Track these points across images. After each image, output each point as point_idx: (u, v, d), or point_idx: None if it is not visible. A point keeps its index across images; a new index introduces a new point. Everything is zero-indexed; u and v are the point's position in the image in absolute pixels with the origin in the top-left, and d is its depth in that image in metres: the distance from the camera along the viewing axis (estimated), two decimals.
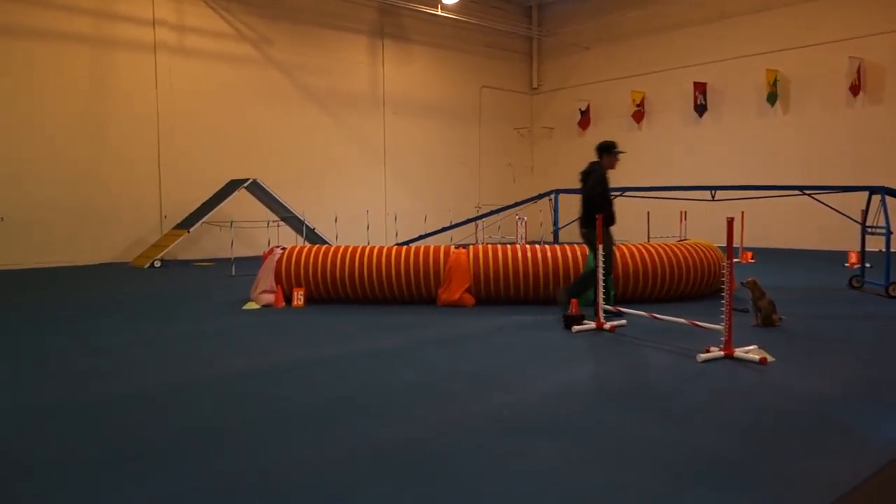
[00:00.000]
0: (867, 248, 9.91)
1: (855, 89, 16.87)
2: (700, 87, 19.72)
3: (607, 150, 7.68)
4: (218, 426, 3.94)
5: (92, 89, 15.30)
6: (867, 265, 10.17)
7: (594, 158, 7.80)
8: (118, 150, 15.63)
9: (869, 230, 9.50)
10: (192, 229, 14.99)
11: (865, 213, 9.60)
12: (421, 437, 3.73)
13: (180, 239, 14.97)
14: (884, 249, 8.91)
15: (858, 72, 16.73)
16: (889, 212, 8.98)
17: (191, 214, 15.69)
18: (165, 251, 14.68)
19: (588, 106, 22.65)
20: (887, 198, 9.13)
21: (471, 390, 4.66)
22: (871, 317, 7.55)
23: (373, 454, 3.46)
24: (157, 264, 14.40)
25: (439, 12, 20.03)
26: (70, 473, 3.22)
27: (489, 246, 8.82)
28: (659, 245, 8.87)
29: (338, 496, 2.95)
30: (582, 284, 7.49)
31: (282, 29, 18.32)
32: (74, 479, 3.16)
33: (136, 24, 15.86)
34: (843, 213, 10.00)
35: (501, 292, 8.52)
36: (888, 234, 8.79)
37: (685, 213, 15.89)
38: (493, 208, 13.66)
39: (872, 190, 9.40)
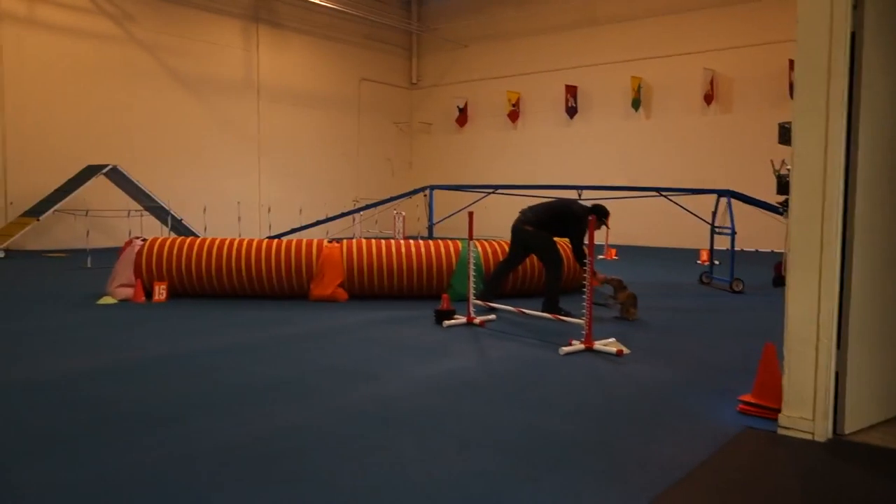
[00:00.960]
0: (716, 247, 10.72)
1: (708, 98, 18.20)
2: (571, 90, 20.55)
3: (601, 215, 7.47)
4: (52, 431, 3.64)
5: None
6: (716, 262, 11.00)
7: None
8: None
9: (717, 230, 10.27)
10: (42, 217, 13.85)
11: (714, 214, 10.37)
12: (277, 433, 3.63)
13: (28, 228, 13.80)
14: (730, 248, 9.66)
15: (711, 82, 18.05)
16: (734, 213, 9.74)
17: (41, 201, 14.50)
18: (10, 240, 13.48)
19: (466, 103, 23.01)
20: (733, 200, 9.91)
21: (335, 384, 4.60)
22: (716, 309, 8.17)
23: (224, 453, 3.32)
24: (1, 255, 13.19)
25: (316, 0, 19.62)
26: None
27: (363, 240, 8.75)
28: None
29: (185, 498, 2.81)
30: (554, 290, 7.39)
31: (146, 5, 17.27)
32: None
33: None
34: (696, 213, 10.75)
35: (375, 287, 8.48)
36: (733, 234, 9.53)
37: None
38: (371, 202, 13.58)
39: (720, 193, 10.16)
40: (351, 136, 22.59)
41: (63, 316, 7.17)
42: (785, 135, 9.00)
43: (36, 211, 14.21)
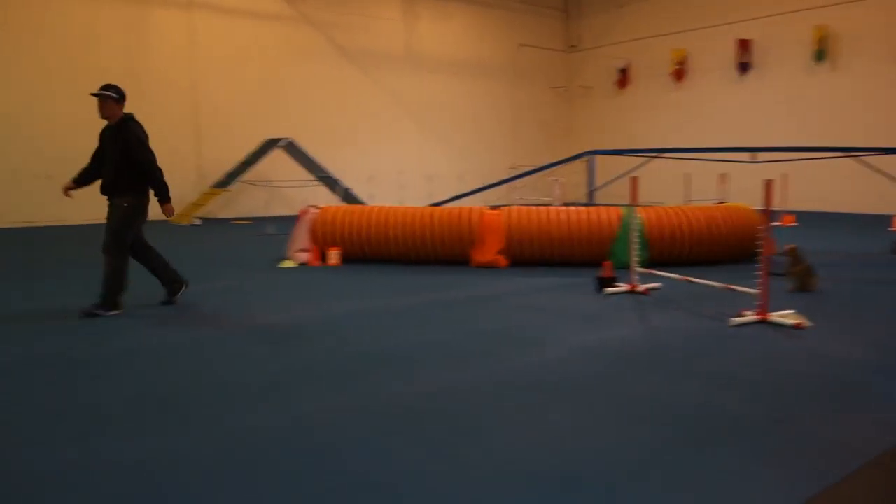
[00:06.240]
0: None
1: None
2: (744, 45, 19.10)
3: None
4: (246, 381, 4.06)
5: (127, 49, 15.47)
6: None
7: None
8: (154, 110, 15.79)
9: None
10: (229, 188, 15.20)
11: None
12: (439, 392, 3.80)
13: (218, 197, 15.21)
14: None
15: None
16: None
17: (228, 173, 15.91)
18: (204, 209, 14.94)
19: (627, 64, 22.14)
20: None
21: (495, 349, 4.71)
22: None
23: (393, 410, 3.54)
24: (197, 222, 14.68)
25: None
26: (93, 425, 3.38)
27: (523, 207, 8.79)
28: (695, 208, 8.73)
29: (358, 448, 3.04)
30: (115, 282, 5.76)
31: None
32: (98, 430, 3.31)
33: None
34: (891, 175, 9.70)
35: (536, 254, 8.51)
36: None
37: (725, 175, 15.58)
38: (529, 169, 13.56)
39: None
40: (508, 103, 22.57)
41: (252, 277, 7.90)
42: None
43: (224, 182, 15.63)
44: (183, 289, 6.30)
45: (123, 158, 5.72)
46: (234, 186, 15.42)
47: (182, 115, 16.30)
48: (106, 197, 5.86)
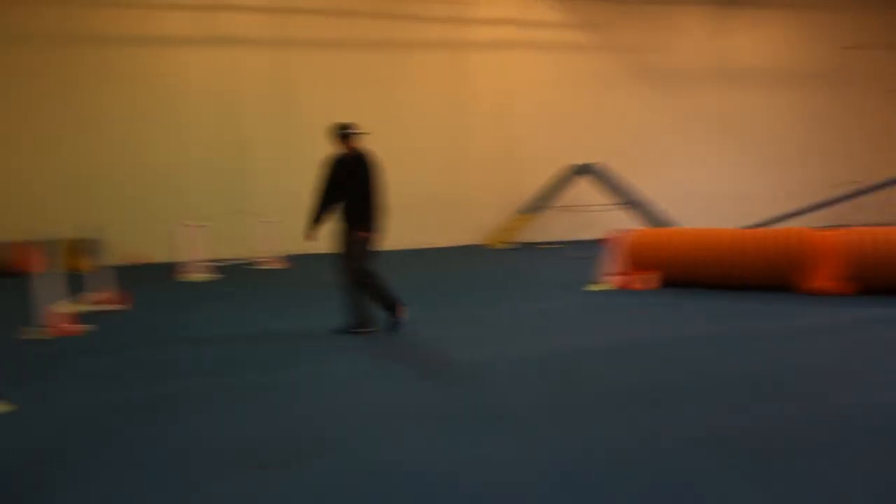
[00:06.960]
0: None
1: None
2: None
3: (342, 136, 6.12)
4: (549, 401, 4.09)
5: (450, 91, 17.03)
6: None
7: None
8: (473, 144, 17.17)
9: None
10: (537, 213, 15.86)
11: None
12: (754, 428, 3.51)
13: (528, 222, 15.97)
14: None
15: None
16: None
17: (536, 199, 16.61)
18: (515, 234, 15.79)
19: None
20: None
21: (817, 386, 4.21)
22: None
23: (700, 442, 3.35)
24: (509, 246, 15.57)
25: None
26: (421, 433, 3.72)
27: (873, 227, 7.72)
28: None
29: (668, 480, 2.94)
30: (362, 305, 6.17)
31: (618, 11, 18.21)
32: (434, 435, 3.64)
33: (485, 25, 17.21)
34: None
35: (888, 280, 7.39)
36: None
37: None
38: (867, 185, 11.90)
39: None
40: (830, 113, 20.07)
41: (560, 299, 8.06)
42: None
43: (533, 208, 16.36)
44: (366, 330, 6.18)
45: (362, 188, 5.99)
46: (543, 212, 16.04)
47: (496, 146, 17.42)
48: (342, 225, 6.08)
